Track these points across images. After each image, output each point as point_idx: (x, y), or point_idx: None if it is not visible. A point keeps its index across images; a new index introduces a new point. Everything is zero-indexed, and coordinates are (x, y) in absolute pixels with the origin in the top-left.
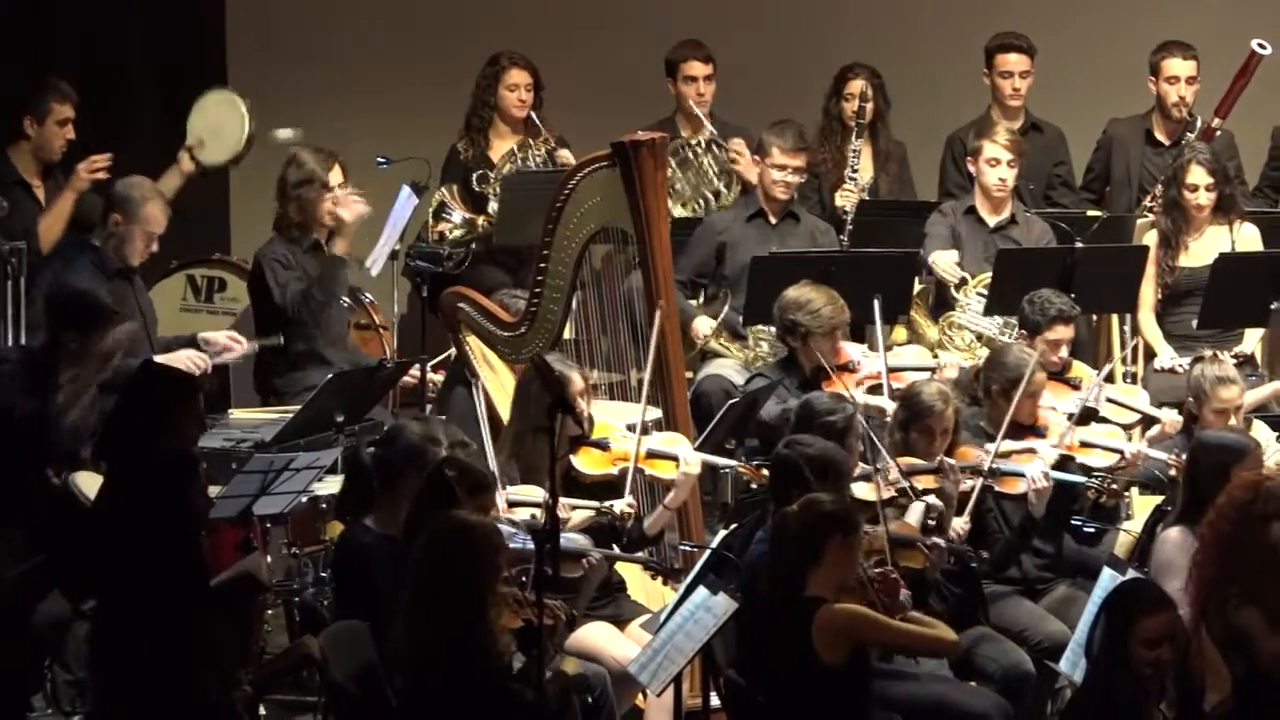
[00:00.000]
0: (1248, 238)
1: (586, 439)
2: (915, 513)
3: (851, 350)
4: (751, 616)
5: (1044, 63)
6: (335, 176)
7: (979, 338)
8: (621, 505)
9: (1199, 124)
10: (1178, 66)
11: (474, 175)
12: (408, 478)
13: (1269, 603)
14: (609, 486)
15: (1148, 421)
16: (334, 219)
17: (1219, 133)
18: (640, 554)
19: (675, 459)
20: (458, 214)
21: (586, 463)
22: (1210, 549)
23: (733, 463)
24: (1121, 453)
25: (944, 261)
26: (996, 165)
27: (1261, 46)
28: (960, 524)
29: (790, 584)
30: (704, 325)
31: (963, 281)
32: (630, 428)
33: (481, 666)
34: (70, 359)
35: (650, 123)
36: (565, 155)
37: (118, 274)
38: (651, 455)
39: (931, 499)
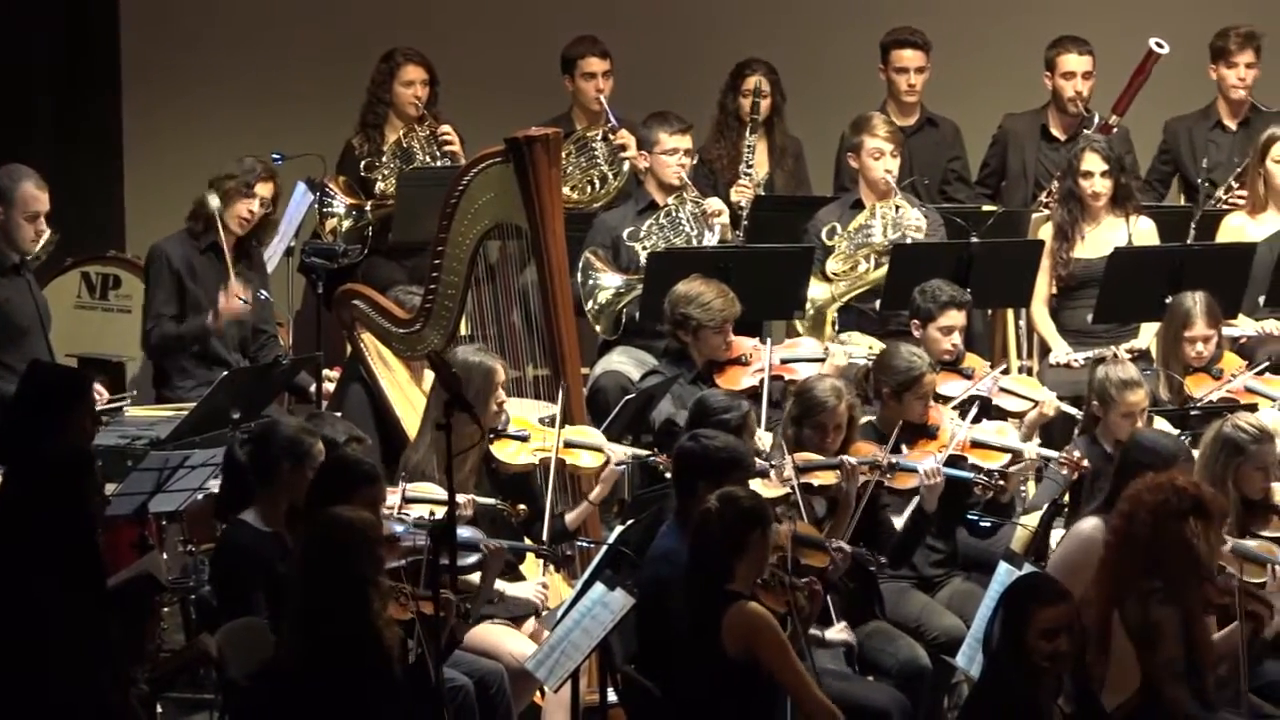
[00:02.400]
0: (1144, 232)
1: (504, 432)
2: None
3: (744, 344)
4: (652, 611)
5: (939, 58)
6: (263, 189)
7: (867, 259)
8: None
9: (1096, 120)
10: (1074, 62)
11: (362, 164)
12: (284, 471)
13: (1188, 604)
14: (526, 479)
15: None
16: (243, 226)
17: (1115, 129)
18: (529, 542)
19: (597, 449)
20: (339, 203)
21: (508, 454)
22: (1124, 549)
23: (650, 454)
24: (1016, 452)
25: None
26: (881, 157)
27: (1159, 45)
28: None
29: (716, 579)
30: None
31: (833, 231)
32: (544, 421)
33: (370, 659)
34: None
35: (545, 119)
36: (447, 131)
37: (11, 269)
38: (571, 446)
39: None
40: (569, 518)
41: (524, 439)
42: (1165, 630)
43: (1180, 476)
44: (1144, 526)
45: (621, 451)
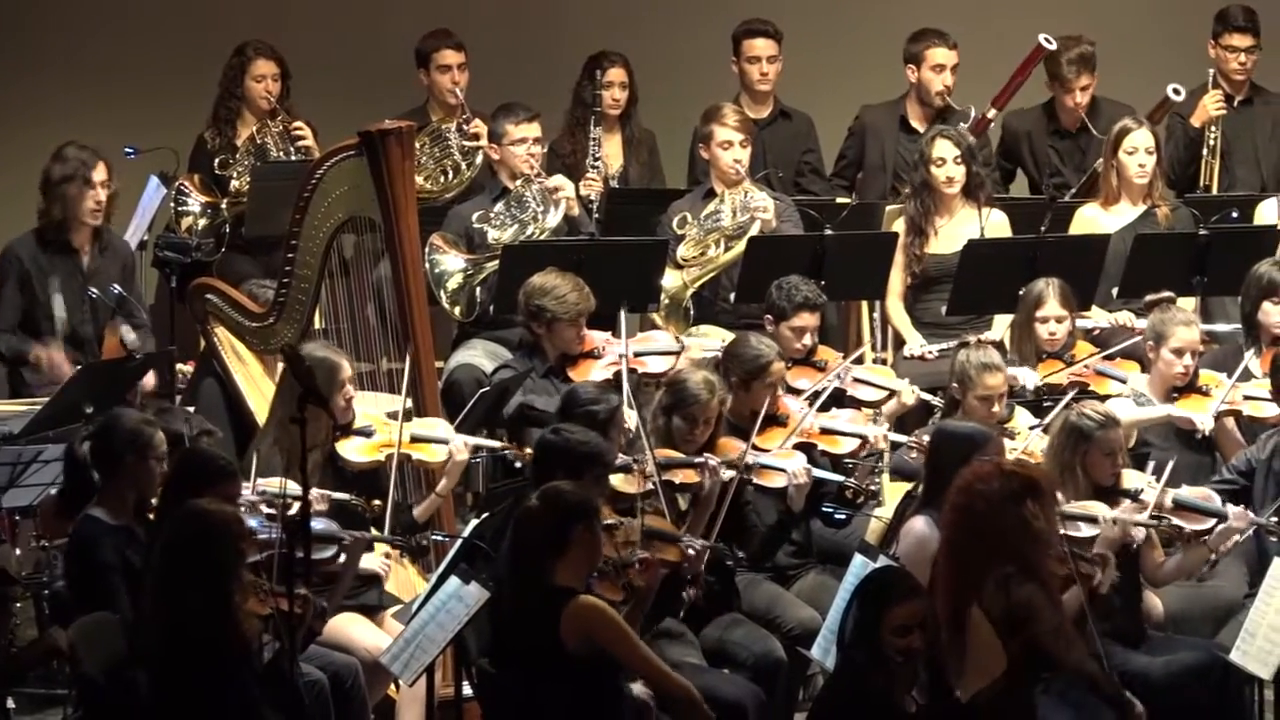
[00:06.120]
0: (997, 225)
1: (350, 429)
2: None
3: (596, 337)
4: (503, 605)
5: (792, 51)
6: (100, 174)
7: (717, 243)
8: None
9: (973, 114)
10: (942, 55)
11: (216, 160)
12: (127, 463)
13: (1046, 577)
14: (374, 475)
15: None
16: (97, 216)
17: (992, 123)
18: (383, 533)
19: (441, 441)
20: (194, 201)
21: (352, 451)
22: (967, 539)
23: (499, 444)
24: (864, 438)
25: None
26: (730, 148)
27: (1048, 42)
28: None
29: (536, 576)
30: None
31: (684, 221)
32: (391, 415)
33: (227, 653)
34: None
35: (401, 112)
36: (300, 126)
37: None
38: (417, 440)
39: None
40: (417, 511)
41: (369, 434)
42: (1037, 604)
43: (1004, 461)
44: (983, 514)
45: (465, 442)
